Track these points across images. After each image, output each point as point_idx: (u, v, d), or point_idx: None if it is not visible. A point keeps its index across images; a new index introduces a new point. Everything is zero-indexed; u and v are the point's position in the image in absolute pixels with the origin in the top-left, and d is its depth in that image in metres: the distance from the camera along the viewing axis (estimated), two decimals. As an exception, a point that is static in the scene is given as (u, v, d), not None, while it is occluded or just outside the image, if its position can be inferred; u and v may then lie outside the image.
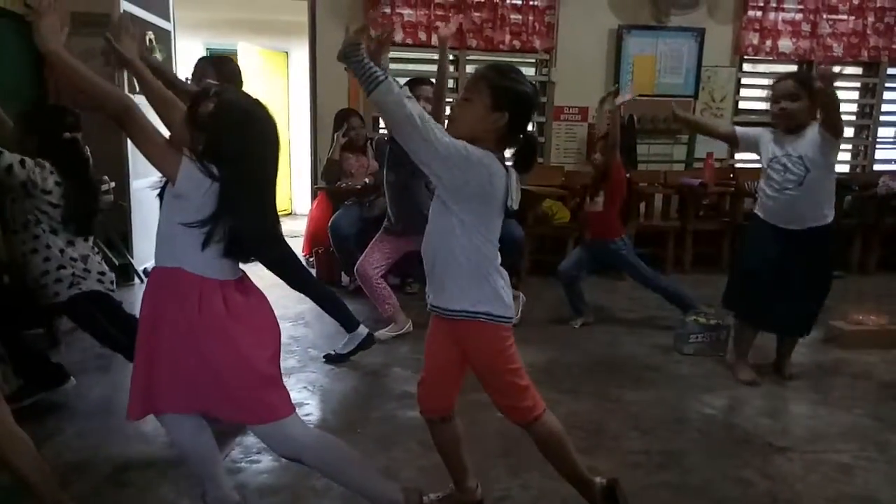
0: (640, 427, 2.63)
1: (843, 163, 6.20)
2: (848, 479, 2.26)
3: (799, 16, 5.83)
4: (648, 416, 2.73)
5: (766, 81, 6.20)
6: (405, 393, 2.84)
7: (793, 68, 6.04)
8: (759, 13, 5.76)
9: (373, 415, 2.70)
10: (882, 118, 6.16)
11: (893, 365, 3.35)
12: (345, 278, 4.66)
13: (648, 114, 5.63)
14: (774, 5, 5.76)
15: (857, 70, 6.12)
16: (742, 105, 6.02)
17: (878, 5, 5.86)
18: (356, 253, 3.84)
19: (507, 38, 5.40)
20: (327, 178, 4.60)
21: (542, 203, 5.11)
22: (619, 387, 3.03)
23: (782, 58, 5.91)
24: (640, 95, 5.46)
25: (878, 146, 6.23)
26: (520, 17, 5.42)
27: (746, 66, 6.00)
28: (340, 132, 4.48)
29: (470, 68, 5.50)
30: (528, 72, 5.63)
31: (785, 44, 5.85)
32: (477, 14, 5.37)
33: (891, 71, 6.11)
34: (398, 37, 5.22)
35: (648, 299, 4.28)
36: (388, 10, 5.25)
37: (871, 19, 5.87)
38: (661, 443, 2.50)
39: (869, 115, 6.17)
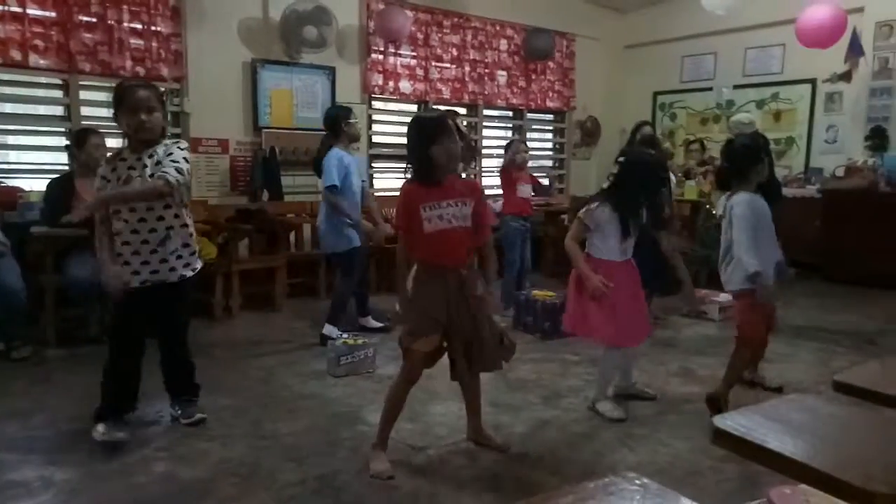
0: (295, 458, 2.60)
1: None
2: (473, 465, 2.58)
3: (414, 61, 6.63)
4: (303, 446, 2.71)
5: (393, 118, 6.90)
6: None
7: (413, 108, 6.86)
8: (380, 56, 6.38)
9: None
10: (484, 151, 7.39)
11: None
12: None
13: (289, 146, 5.74)
14: (393, 51, 6.45)
15: (462, 110, 7.22)
16: (375, 139, 6.56)
17: (472, 58, 7.02)
18: None
19: (129, 63, 4.94)
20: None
21: (185, 240, 4.77)
22: (274, 422, 2.96)
23: (404, 97, 6.64)
24: (281, 128, 5.56)
25: (483, 174, 7.40)
26: (141, 42, 5.02)
27: (376, 104, 6.57)
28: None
29: (85, 94, 4.89)
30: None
31: (405, 85, 6.59)
32: (88, 35, 4.78)
33: (486, 112, 7.37)
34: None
35: (306, 328, 4.32)
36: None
37: (467, 69, 7.00)
38: (317, 469, 2.51)
39: (473, 154, 7.32)
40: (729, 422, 1.44)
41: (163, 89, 3.95)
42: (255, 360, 3.85)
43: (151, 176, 2.61)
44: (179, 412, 2.92)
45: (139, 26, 5.01)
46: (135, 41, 5.00)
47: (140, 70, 5.02)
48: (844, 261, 6.13)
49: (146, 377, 2.87)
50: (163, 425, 2.92)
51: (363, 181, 4.39)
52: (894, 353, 4.06)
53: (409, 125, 2.53)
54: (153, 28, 5.06)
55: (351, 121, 4.24)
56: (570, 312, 3.14)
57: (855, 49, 6.40)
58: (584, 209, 3.03)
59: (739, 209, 2.95)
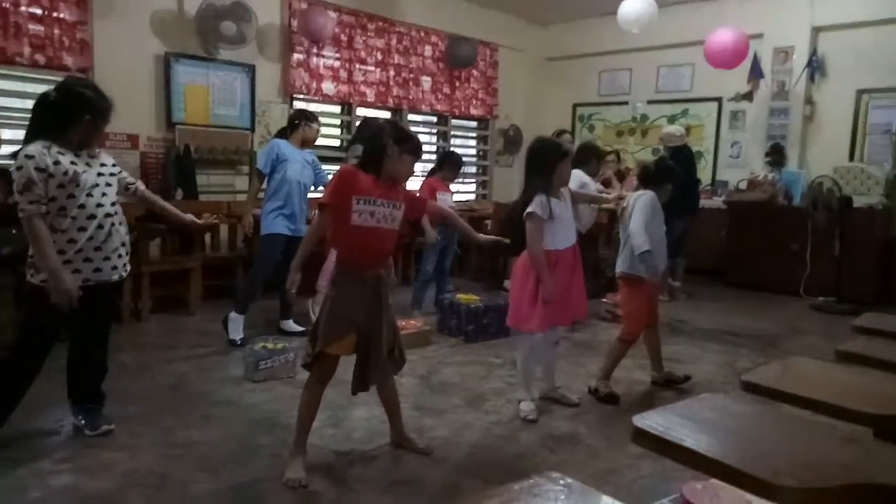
0: (209, 467, 2.48)
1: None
2: (396, 468, 2.56)
3: (337, 63, 6.54)
4: (218, 454, 2.60)
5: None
6: None
7: (337, 109, 6.77)
8: (303, 56, 6.25)
9: None
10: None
11: (429, 360, 3.96)
12: None
13: (205, 144, 5.52)
14: (316, 51, 6.33)
15: (387, 114, 7.18)
16: (296, 139, 6.40)
17: (397, 62, 7.00)
18: None
19: (27, 50, 4.60)
20: None
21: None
22: (187, 429, 2.82)
23: (327, 99, 6.53)
24: (196, 125, 5.34)
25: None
26: (42, 28, 4.68)
27: (298, 104, 6.41)
28: None
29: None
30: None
31: (328, 86, 6.48)
32: (-23, 18, 4.42)
33: (411, 117, 7.36)
34: None
35: (222, 332, 4.16)
36: None
37: (392, 73, 6.98)
38: (232, 478, 2.41)
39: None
40: (648, 421, 1.48)
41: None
42: (167, 366, 3.66)
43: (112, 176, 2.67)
44: (83, 422, 2.73)
45: (39, 11, 4.67)
46: (34, 27, 4.66)
47: (40, 58, 4.69)
48: (746, 268, 6.53)
49: (42, 385, 2.67)
50: (63, 435, 2.72)
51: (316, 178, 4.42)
52: (794, 354, 4.35)
53: (375, 125, 2.57)
54: (55, 14, 4.73)
55: (313, 124, 4.35)
56: (513, 308, 3.16)
57: (756, 71, 6.85)
58: (525, 213, 3.02)
59: (643, 199, 3.38)
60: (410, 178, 2.67)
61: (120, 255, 2.66)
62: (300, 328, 4.31)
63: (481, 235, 3.05)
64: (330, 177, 4.33)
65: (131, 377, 3.44)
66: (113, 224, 2.62)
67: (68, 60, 4.82)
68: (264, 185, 4.28)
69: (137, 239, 4.66)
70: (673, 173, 3.59)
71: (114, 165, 2.73)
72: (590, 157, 4.95)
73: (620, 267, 3.44)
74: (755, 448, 1.42)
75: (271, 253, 4.15)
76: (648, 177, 3.55)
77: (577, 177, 4.58)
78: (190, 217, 3.12)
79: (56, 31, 4.75)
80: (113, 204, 2.65)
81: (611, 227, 6.01)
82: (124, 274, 2.71)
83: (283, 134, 4.41)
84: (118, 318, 4.41)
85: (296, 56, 6.18)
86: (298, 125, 4.31)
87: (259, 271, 4.25)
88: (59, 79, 4.82)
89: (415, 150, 2.51)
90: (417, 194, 2.84)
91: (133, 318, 4.54)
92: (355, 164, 2.55)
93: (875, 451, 1.41)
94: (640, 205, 3.36)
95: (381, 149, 2.44)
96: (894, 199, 6.23)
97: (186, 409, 3.07)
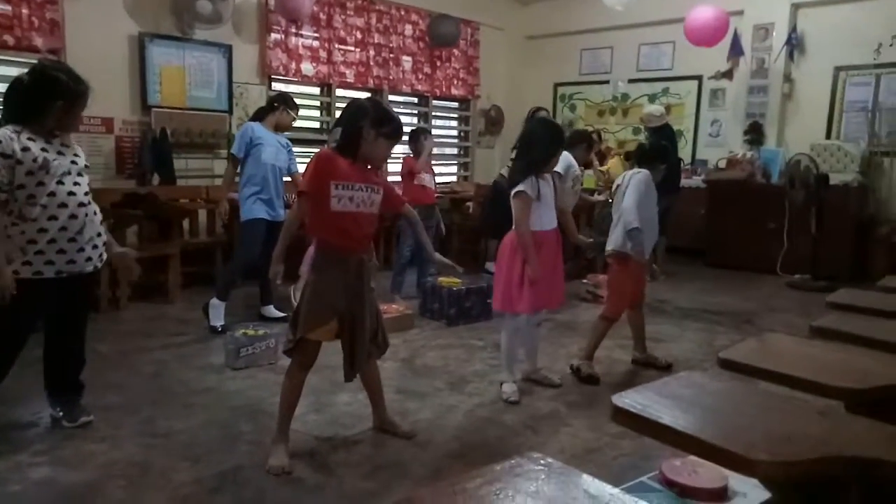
0: (191, 456, 2.47)
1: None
2: (379, 453, 2.56)
3: (316, 43, 6.44)
4: (200, 442, 2.59)
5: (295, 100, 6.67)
6: None
7: (316, 91, 6.68)
8: (281, 36, 6.15)
9: None
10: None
11: (411, 343, 3.96)
12: None
13: (182, 127, 5.43)
14: (294, 31, 6.23)
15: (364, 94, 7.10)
16: (275, 122, 6.31)
17: (377, 42, 6.92)
18: None
19: (-6, 30, 4.49)
20: None
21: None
22: (168, 419, 2.80)
23: (306, 80, 6.45)
24: (173, 108, 5.26)
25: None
26: (9, 7, 4.56)
27: (277, 86, 6.32)
28: None
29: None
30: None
31: (307, 67, 6.39)
32: (-57, -3, 4.29)
33: (392, 97, 7.29)
34: None
35: (202, 319, 4.13)
36: None
37: (372, 53, 6.90)
38: (214, 466, 2.40)
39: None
40: (627, 399, 1.50)
41: (35, 61, 3.63)
42: (146, 355, 3.63)
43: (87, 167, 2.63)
44: (62, 414, 2.70)
45: (6, -10, 4.55)
46: (1, 6, 4.53)
47: (9, 39, 4.57)
48: (725, 247, 6.60)
49: (19, 376, 2.63)
50: (41, 427, 2.68)
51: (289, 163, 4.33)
52: (771, 331, 4.42)
53: (354, 106, 2.50)
54: (24, -7, 4.61)
55: (291, 111, 4.28)
56: (500, 291, 3.15)
57: (736, 49, 6.85)
58: (514, 192, 3.02)
59: (637, 178, 3.42)
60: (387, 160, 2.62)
61: (95, 246, 2.61)
62: (281, 314, 4.29)
63: (436, 256, 2.91)
64: (301, 166, 4.34)
65: (110, 367, 3.40)
66: (87, 214, 2.56)
67: (38, 41, 4.70)
68: (240, 170, 4.22)
69: (114, 226, 4.60)
70: (667, 153, 3.66)
71: (86, 166, 2.65)
72: (579, 142, 4.95)
73: (611, 244, 3.46)
74: (731, 424, 1.44)
75: (253, 239, 4.11)
76: (643, 156, 3.59)
77: (565, 158, 4.59)
78: None
79: (25, 11, 4.63)
80: (87, 193, 2.59)
81: (591, 209, 6.03)
82: (99, 264, 2.66)
83: (258, 116, 4.34)
84: (96, 308, 4.35)
85: (273, 36, 6.08)
86: (277, 108, 4.24)
87: (241, 258, 4.22)
88: (29, 60, 4.81)
89: (392, 134, 2.45)
90: (399, 191, 2.75)
91: (111, 307, 4.49)
92: (333, 147, 2.51)
93: (846, 425, 1.43)
94: (633, 183, 3.40)
95: (357, 132, 2.40)
96: (870, 176, 6.32)
97: (167, 398, 3.05)
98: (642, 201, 3.35)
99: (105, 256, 2.71)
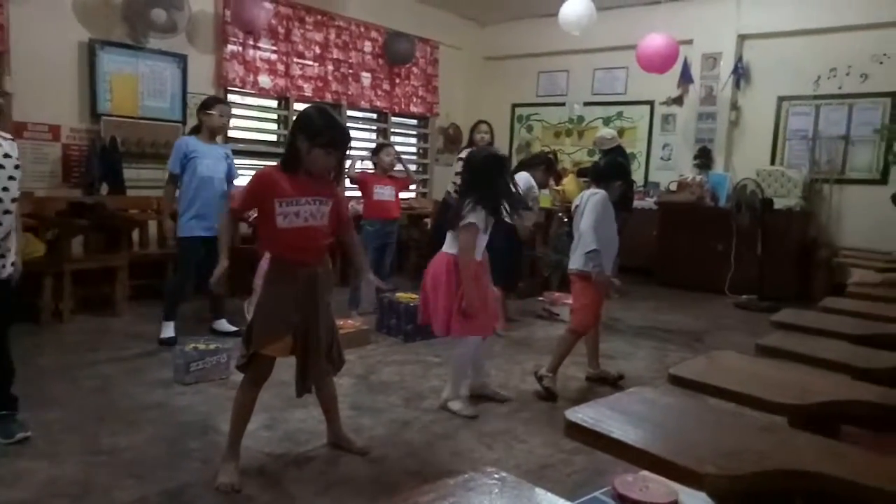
0: (136, 473, 2.39)
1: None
2: (333, 469, 2.52)
3: (274, 56, 6.40)
4: (146, 459, 2.50)
5: (252, 113, 6.62)
6: None
7: (273, 104, 6.63)
8: (238, 48, 6.08)
9: None
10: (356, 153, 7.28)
11: (367, 359, 3.93)
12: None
13: (133, 137, 5.30)
14: (252, 43, 6.18)
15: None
16: (231, 133, 6.22)
17: (336, 57, 6.92)
18: None
19: (-64, 31, 4.31)
20: None
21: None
22: (113, 435, 2.70)
23: (263, 92, 6.39)
24: (124, 117, 5.13)
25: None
26: (-48, 8, 4.40)
27: (233, 97, 6.24)
28: None
29: None
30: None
31: (264, 80, 6.33)
32: None
33: (350, 113, 7.28)
34: None
35: (151, 333, 4.01)
36: None
37: (331, 67, 6.89)
38: (160, 483, 2.32)
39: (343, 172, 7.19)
40: (579, 414, 1.52)
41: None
42: (90, 369, 3.50)
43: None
44: (-5, 430, 2.58)
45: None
46: (-58, 7, 4.38)
47: (-49, 40, 4.40)
48: (676, 267, 6.78)
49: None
50: (-27, 445, 2.55)
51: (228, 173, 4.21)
52: (719, 349, 4.54)
53: (296, 118, 2.46)
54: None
55: (210, 112, 4.11)
56: (441, 315, 3.09)
57: (685, 76, 7.11)
58: (463, 221, 3.01)
59: (595, 199, 3.47)
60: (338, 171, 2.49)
61: (9, 250, 2.55)
62: (233, 328, 4.20)
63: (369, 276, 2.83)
64: (241, 178, 4.29)
65: (51, 381, 3.27)
66: (8, 220, 2.51)
67: (-20, 44, 4.54)
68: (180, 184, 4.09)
69: (59, 236, 4.46)
70: (622, 170, 3.71)
71: (16, 167, 2.55)
72: (538, 164, 4.99)
73: (573, 264, 3.51)
74: (680, 438, 1.48)
75: (187, 258, 4.04)
76: (599, 174, 3.63)
77: (526, 180, 4.67)
78: None
79: (-34, 13, 4.47)
80: (14, 200, 2.52)
81: (548, 225, 6.13)
82: (11, 270, 2.57)
83: (194, 129, 4.25)
84: (36, 320, 4.19)
85: (230, 48, 6.02)
86: (201, 117, 4.14)
87: (181, 276, 4.14)
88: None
89: (327, 144, 2.33)
90: (348, 213, 2.69)
91: (54, 320, 4.32)
92: (278, 163, 2.43)
93: (789, 439, 1.48)
94: (591, 204, 3.44)
95: (292, 144, 2.37)
96: (811, 201, 6.61)
97: (111, 413, 2.94)
98: (600, 222, 3.40)
99: (18, 265, 2.62)
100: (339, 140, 2.38)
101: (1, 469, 2.37)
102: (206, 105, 4.16)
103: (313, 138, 2.32)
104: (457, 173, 5.96)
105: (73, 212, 4.64)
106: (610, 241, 3.50)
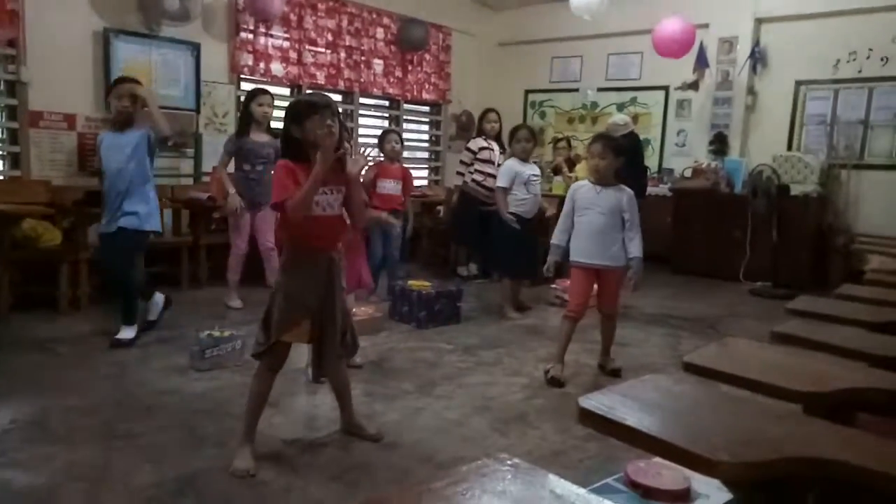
0: (153, 458, 2.42)
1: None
2: (346, 455, 2.54)
3: (286, 43, 6.39)
4: (162, 445, 2.54)
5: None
6: None
7: (286, 91, 6.62)
8: (250, 35, 6.08)
9: None
10: (360, 140, 7.29)
11: (380, 346, 3.94)
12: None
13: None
14: (264, 31, 6.17)
15: (338, 97, 7.07)
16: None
17: (348, 44, 6.89)
18: None
19: (-48, 21, 4.34)
20: None
21: (23, 224, 4.29)
22: (128, 420, 2.74)
23: (275, 80, 6.38)
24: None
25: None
26: (-33, -3, 4.43)
27: (246, 85, 6.23)
28: None
29: None
30: (-10, 67, 4.65)
31: (276, 67, 6.33)
32: None
33: (362, 100, 7.27)
34: None
35: (167, 320, 4.05)
36: None
37: (343, 55, 6.86)
38: (177, 469, 2.35)
39: (349, 139, 7.20)
40: (593, 402, 1.51)
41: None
42: (107, 356, 3.54)
43: None
44: None
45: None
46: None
47: (-34, 30, 4.43)
48: (690, 254, 6.73)
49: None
50: (-6, 430, 2.60)
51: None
52: (733, 336, 4.51)
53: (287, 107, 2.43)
54: (-18, -17, 4.48)
55: (110, 100, 4.02)
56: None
57: (701, 61, 7.01)
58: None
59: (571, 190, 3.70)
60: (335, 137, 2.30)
61: None
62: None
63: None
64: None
65: (69, 368, 3.31)
66: None
67: (-5, 34, 4.56)
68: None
69: (76, 224, 4.50)
70: (622, 148, 3.60)
71: None
72: (517, 141, 4.79)
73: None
74: (694, 426, 1.47)
75: (101, 254, 4.01)
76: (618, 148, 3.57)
77: (508, 168, 4.74)
78: None
79: (-19, 2, 4.50)
80: None
81: (558, 213, 6.08)
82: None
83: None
84: (55, 308, 4.25)
85: (243, 35, 6.01)
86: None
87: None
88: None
89: (309, 110, 2.30)
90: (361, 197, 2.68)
91: (72, 308, 4.37)
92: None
93: (804, 427, 1.47)
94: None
95: (287, 136, 2.37)
96: (828, 187, 6.52)
97: (128, 399, 2.98)
98: (567, 215, 3.59)
99: None
100: (318, 100, 2.38)
101: (21, 454, 2.41)
102: (107, 91, 4.19)
103: (297, 115, 2.34)
104: (461, 162, 5.95)
105: (89, 200, 4.67)
106: (590, 228, 3.51)
